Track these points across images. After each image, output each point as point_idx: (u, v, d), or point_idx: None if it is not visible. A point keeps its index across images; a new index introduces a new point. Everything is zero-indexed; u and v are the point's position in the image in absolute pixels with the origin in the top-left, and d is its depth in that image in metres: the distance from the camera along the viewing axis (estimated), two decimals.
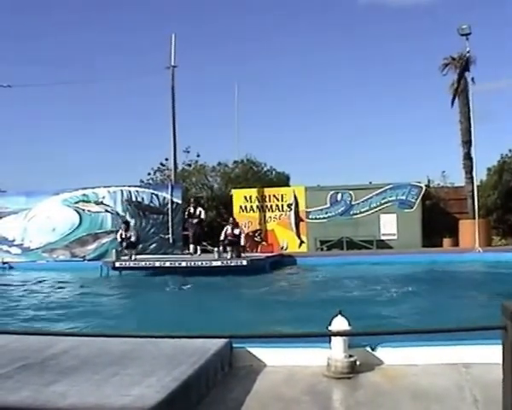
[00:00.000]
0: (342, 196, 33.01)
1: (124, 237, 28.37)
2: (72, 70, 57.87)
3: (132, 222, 31.00)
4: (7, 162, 55.20)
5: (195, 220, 30.45)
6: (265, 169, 40.36)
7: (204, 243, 31.16)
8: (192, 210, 30.76)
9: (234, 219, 28.65)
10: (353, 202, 32.82)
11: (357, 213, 32.72)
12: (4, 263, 31.22)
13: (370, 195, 32.65)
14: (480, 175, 34.12)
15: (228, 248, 26.37)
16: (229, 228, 27.08)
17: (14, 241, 34.30)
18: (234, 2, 65.19)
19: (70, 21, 63.88)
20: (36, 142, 59.13)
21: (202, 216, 30.78)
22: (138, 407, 4.18)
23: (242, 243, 27.65)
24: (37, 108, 58.56)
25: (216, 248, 26.71)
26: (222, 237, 26.96)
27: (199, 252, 30.08)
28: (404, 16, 61.80)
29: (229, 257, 25.91)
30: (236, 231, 27.01)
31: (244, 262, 25.13)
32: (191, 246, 30.57)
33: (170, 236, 32.59)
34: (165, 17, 63.25)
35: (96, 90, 57.69)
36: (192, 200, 31.93)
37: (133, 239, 28.26)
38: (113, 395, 4.46)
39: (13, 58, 59.50)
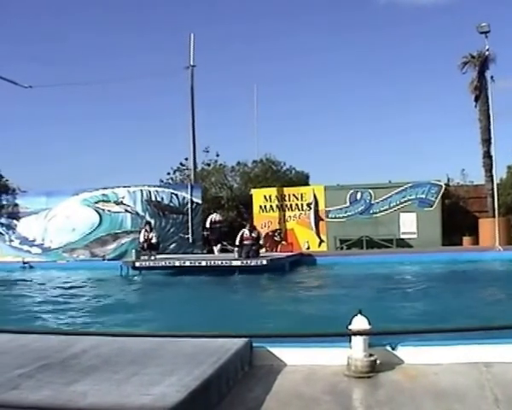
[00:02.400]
0: (362, 194, 32.94)
1: (146, 237, 28.53)
2: (91, 71, 58.18)
3: (152, 222, 31.09)
4: (27, 163, 55.47)
5: (218, 225, 32.05)
6: (285, 168, 40.33)
7: (224, 243, 31.55)
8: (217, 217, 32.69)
9: (251, 224, 28.86)
10: (373, 201, 32.75)
11: (376, 212, 32.66)
12: (25, 263, 31.38)
13: (390, 194, 32.58)
14: (499, 173, 34.02)
15: (244, 250, 26.36)
16: (246, 231, 27.13)
17: (34, 241, 34.52)
18: (253, 2, 65.23)
19: (88, 23, 64.20)
20: (55, 142, 59.35)
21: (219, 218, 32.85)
22: (159, 406, 4.19)
23: (261, 242, 27.79)
24: (57, 109, 58.82)
25: (236, 248, 26.78)
26: (237, 242, 27.03)
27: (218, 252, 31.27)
28: (423, 15, 61.62)
29: (244, 256, 25.94)
30: (254, 234, 27.10)
31: (264, 262, 25.13)
32: (215, 248, 32.08)
33: (189, 235, 32.69)
34: (184, 17, 63.38)
35: (116, 91, 57.90)
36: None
37: (154, 241, 28.45)
38: (133, 394, 4.47)
39: (33, 59, 59.87)
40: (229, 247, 30.70)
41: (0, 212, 35.66)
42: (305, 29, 62.29)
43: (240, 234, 27.08)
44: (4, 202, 35.88)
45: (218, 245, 32.12)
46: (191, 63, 36.20)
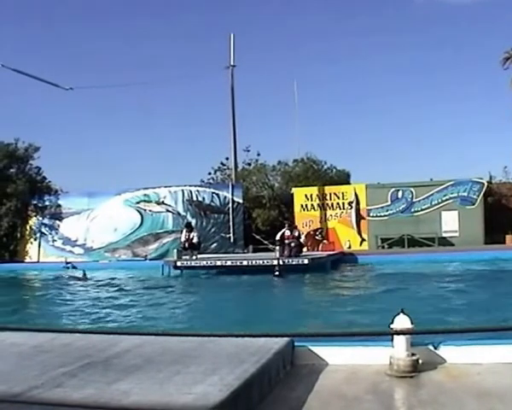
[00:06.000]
0: (403, 193, 32.78)
1: (187, 237, 28.66)
2: (132, 73, 58.57)
3: (193, 222, 31.26)
4: (69, 165, 55.98)
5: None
6: (326, 167, 40.24)
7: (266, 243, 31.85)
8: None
9: (291, 222, 29.14)
10: (414, 200, 32.58)
11: (418, 211, 32.49)
12: (68, 263, 31.65)
13: (431, 192, 32.37)
14: None
15: (286, 249, 26.37)
16: (286, 230, 27.19)
17: (76, 241, 34.87)
18: (293, 2, 65.23)
19: (130, 28, 64.65)
20: (97, 144, 59.82)
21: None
22: (201, 404, 4.20)
23: (302, 240, 27.75)
24: (99, 112, 59.29)
25: (277, 247, 26.77)
26: (277, 239, 27.16)
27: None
28: (462, 13, 61.21)
29: (286, 255, 25.93)
30: (296, 233, 27.16)
31: (306, 261, 25.12)
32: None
33: (231, 235, 32.79)
34: (223, 17, 63.56)
35: (158, 92, 58.22)
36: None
37: (195, 241, 28.57)
38: (176, 393, 4.48)
39: (71, 64, 60.50)
40: (270, 246, 30.76)
41: (43, 213, 36.10)
42: (346, 31, 62.23)
43: (280, 232, 27.16)
44: (47, 203, 36.29)
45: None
46: (231, 63, 36.29)
